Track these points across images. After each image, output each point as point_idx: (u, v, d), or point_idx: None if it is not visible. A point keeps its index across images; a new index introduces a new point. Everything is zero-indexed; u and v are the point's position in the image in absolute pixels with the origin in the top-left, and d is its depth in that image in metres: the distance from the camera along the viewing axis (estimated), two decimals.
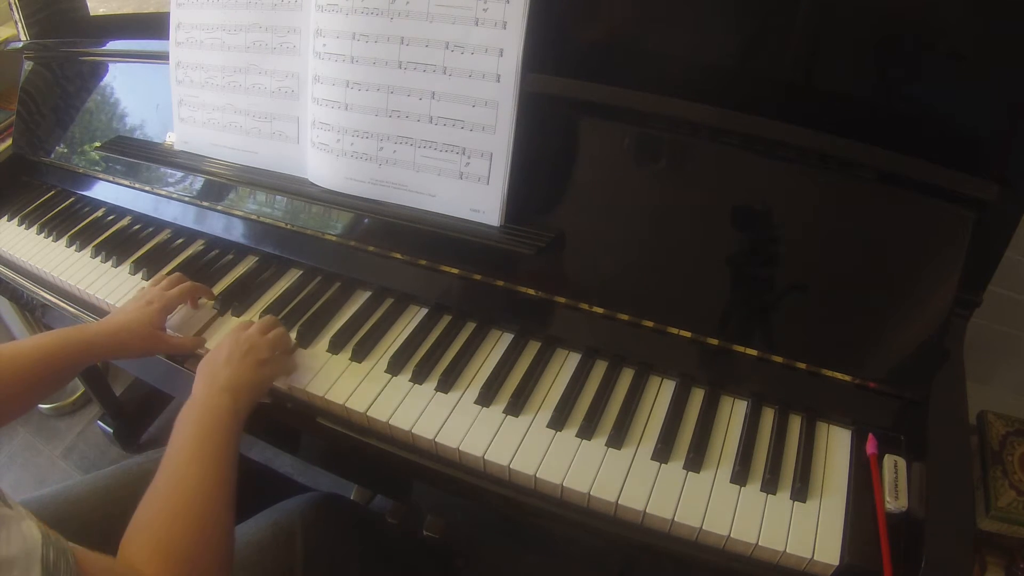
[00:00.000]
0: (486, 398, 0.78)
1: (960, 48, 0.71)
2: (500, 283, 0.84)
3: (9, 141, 1.26)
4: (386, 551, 0.99)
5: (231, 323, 0.91)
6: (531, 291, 0.83)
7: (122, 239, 1.08)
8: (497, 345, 0.85)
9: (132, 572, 0.54)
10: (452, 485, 0.75)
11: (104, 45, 1.14)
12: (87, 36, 1.20)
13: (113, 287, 0.99)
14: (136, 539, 0.57)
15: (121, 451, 1.66)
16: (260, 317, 0.90)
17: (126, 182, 1.10)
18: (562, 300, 0.82)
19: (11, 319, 1.66)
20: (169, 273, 0.94)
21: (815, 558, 0.64)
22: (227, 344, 0.78)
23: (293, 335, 0.87)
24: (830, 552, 0.64)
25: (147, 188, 1.08)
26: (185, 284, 0.90)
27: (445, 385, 0.79)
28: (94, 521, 0.80)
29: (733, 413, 0.77)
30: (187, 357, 0.89)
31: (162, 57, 1.02)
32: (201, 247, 1.05)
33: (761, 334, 0.76)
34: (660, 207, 0.79)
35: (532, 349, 0.84)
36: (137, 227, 1.10)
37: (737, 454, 0.72)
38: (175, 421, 0.69)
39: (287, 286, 0.96)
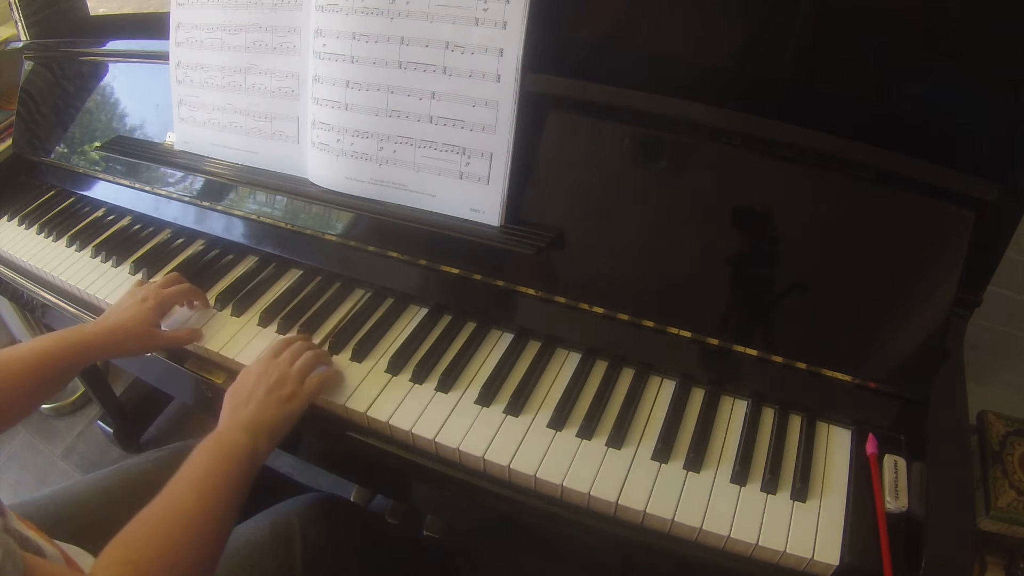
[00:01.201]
0: (486, 398, 0.78)
1: (960, 48, 0.71)
2: (500, 283, 0.84)
3: (9, 141, 1.26)
4: (386, 551, 0.99)
5: (231, 322, 0.91)
6: (531, 291, 0.83)
7: (122, 239, 1.08)
8: (497, 345, 0.85)
9: None
10: (452, 485, 0.75)
11: (104, 45, 1.14)
12: (87, 36, 1.20)
13: (113, 287, 0.99)
14: (110, 552, 0.56)
15: (121, 451, 1.66)
16: (260, 317, 0.90)
17: (126, 182, 1.10)
18: (562, 300, 0.82)
19: (11, 319, 1.66)
20: (169, 273, 0.94)
21: (815, 558, 0.64)
22: (255, 373, 0.76)
23: (293, 335, 0.86)
24: (830, 552, 0.64)
25: (147, 188, 1.08)
26: (182, 285, 0.90)
27: (445, 385, 0.79)
28: (94, 521, 0.79)
29: (733, 413, 0.77)
30: (187, 356, 0.89)
31: (162, 57, 1.02)
32: (201, 247, 1.05)
33: (761, 334, 0.76)
34: (660, 207, 0.79)
35: (532, 349, 0.84)
36: (137, 227, 1.11)
37: (737, 454, 0.72)
38: (192, 453, 0.67)
39: (287, 286, 0.96)
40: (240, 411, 0.72)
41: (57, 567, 0.50)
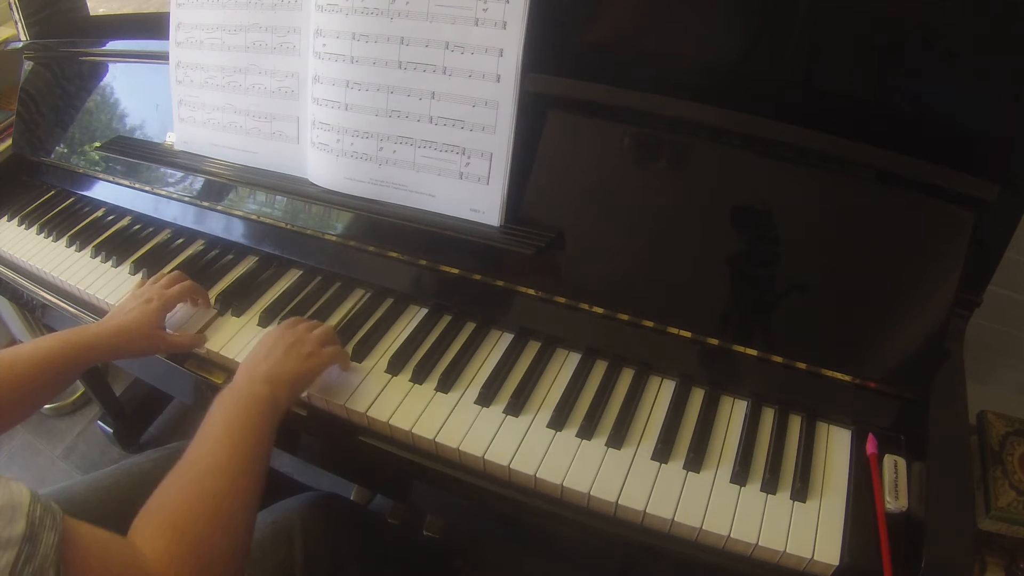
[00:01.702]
0: (486, 398, 0.78)
1: (960, 48, 0.71)
2: (500, 283, 0.84)
3: (9, 141, 1.26)
4: (386, 551, 0.99)
5: (231, 322, 0.91)
6: (531, 291, 0.83)
7: (122, 239, 1.08)
8: (497, 345, 0.85)
9: (128, 548, 0.52)
10: (452, 485, 0.75)
11: (104, 45, 1.14)
12: (87, 36, 1.20)
13: (113, 287, 0.99)
14: (145, 519, 0.55)
15: (121, 451, 1.66)
16: (260, 318, 0.90)
17: (126, 182, 1.10)
18: (562, 300, 0.82)
19: (11, 319, 1.66)
20: (171, 272, 0.94)
21: (815, 558, 0.64)
22: (271, 339, 0.77)
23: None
24: (830, 552, 0.64)
25: (147, 188, 1.08)
26: (185, 283, 0.90)
27: (445, 385, 0.79)
28: (94, 521, 0.79)
29: (733, 413, 0.77)
30: (187, 356, 0.89)
31: (162, 57, 1.02)
32: (201, 247, 1.05)
33: (761, 334, 0.76)
34: (660, 207, 0.79)
35: (532, 349, 0.84)
36: (137, 227, 1.11)
37: (737, 454, 0.72)
38: (208, 411, 0.66)
39: (287, 286, 0.96)
40: (258, 367, 0.72)
41: (96, 529, 0.49)
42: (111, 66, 1.14)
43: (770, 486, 0.69)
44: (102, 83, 1.15)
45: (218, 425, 0.64)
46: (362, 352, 0.84)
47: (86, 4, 1.23)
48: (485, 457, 0.72)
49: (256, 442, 0.64)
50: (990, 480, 0.97)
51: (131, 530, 0.55)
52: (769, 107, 0.73)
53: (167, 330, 0.87)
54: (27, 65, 1.22)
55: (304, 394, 0.80)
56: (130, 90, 1.13)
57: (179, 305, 0.91)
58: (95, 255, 1.06)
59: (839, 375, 0.74)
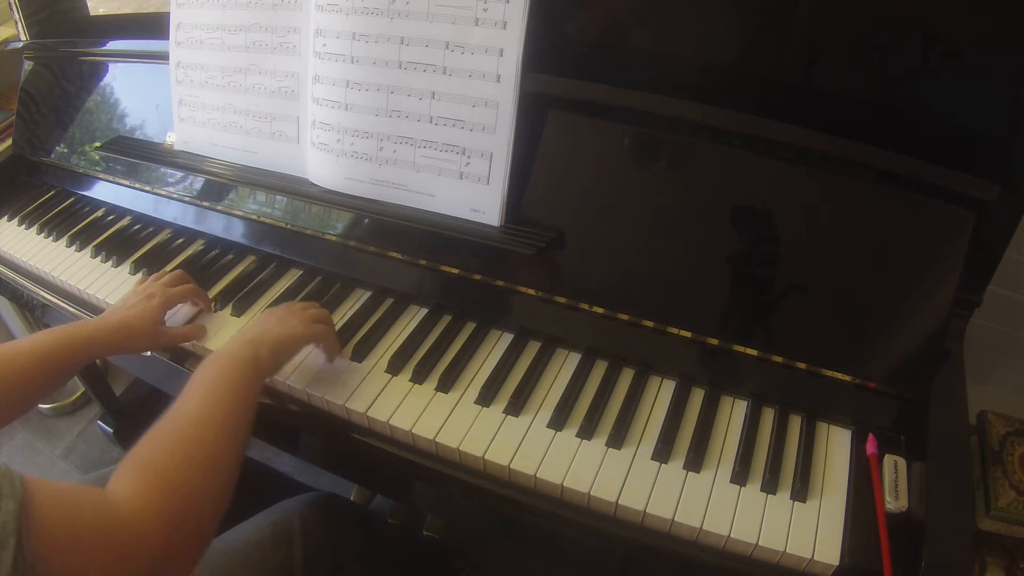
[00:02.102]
0: (486, 398, 0.78)
1: (960, 48, 0.71)
2: (500, 283, 0.84)
3: (9, 141, 1.26)
4: (386, 551, 0.99)
5: (231, 322, 0.91)
6: (531, 291, 0.83)
7: (122, 239, 1.08)
8: (497, 345, 0.85)
9: (99, 495, 0.51)
10: (452, 485, 0.75)
11: (104, 45, 1.14)
12: (87, 36, 1.20)
13: (113, 287, 0.99)
14: (125, 464, 0.55)
15: (121, 451, 1.66)
16: None
17: (126, 182, 1.10)
18: (562, 300, 0.82)
19: (11, 319, 1.66)
20: (174, 270, 0.94)
21: (815, 558, 0.64)
22: (266, 312, 0.81)
23: None
24: (830, 552, 0.64)
25: (147, 188, 1.08)
26: (187, 285, 0.90)
27: (445, 385, 0.79)
28: None
29: (733, 413, 0.77)
30: (188, 356, 0.89)
31: (162, 57, 1.02)
32: (201, 247, 1.05)
33: (761, 334, 0.76)
34: (660, 207, 0.79)
35: (532, 349, 0.84)
36: (137, 227, 1.10)
37: (737, 454, 0.72)
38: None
39: (287, 286, 0.96)
40: (246, 334, 0.75)
41: (61, 484, 0.48)
42: (111, 66, 1.14)
43: (770, 486, 0.69)
44: (102, 83, 1.15)
45: (201, 382, 0.66)
46: (362, 352, 0.84)
47: (86, 4, 1.23)
48: (485, 457, 0.72)
49: (238, 398, 0.65)
50: (990, 480, 0.97)
51: (114, 475, 0.54)
52: (769, 107, 0.73)
53: (168, 328, 0.87)
54: (27, 65, 1.22)
55: (305, 395, 0.80)
56: (130, 90, 1.13)
57: (179, 305, 0.91)
58: (95, 255, 1.06)
59: (839, 375, 0.74)
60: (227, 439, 0.61)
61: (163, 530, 0.51)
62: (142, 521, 0.50)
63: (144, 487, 0.52)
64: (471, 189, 0.83)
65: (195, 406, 0.62)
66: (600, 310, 0.81)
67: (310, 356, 0.84)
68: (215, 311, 0.93)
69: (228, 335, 0.89)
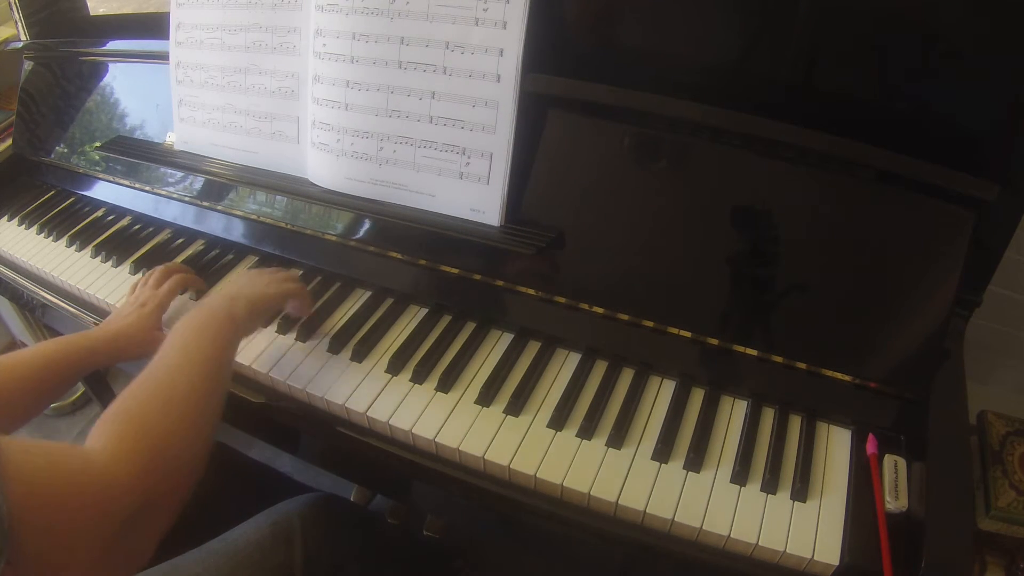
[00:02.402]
0: (486, 398, 0.78)
1: (960, 48, 0.71)
2: (500, 283, 0.84)
3: (9, 141, 1.26)
4: (386, 551, 0.99)
5: None
6: (531, 291, 0.83)
7: (122, 239, 1.08)
8: (497, 345, 0.85)
9: (75, 450, 0.50)
10: (452, 485, 0.75)
11: (104, 45, 1.14)
12: (87, 36, 1.20)
13: (113, 287, 0.99)
14: (102, 417, 0.55)
15: None
16: None
17: (126, 182, 1.10)
18: (562, 300, 0.82)
19: (11, 319, 1.66)
20: (158, 268, 0.93)
21: (815, 558, 0.64)
22: (232, 279, 0.85)
23: (293, 334, 0.87)
24: (830, 552, 0.64)
25: (147, 188, 1.08)
26: (174, 278, 0.90)
27: (445, 385, 0.79)
28: None
29: (733, 413, 0.77)
30: None
31: (162, 57, 1.02)
32: (201, 247, 1.05)
33: (761, 334, 0.76)
34: (660, 207, 0.79)
35: (532, 349, 0.84)
36: (137, 227, 1.11)
37: (737, 454, 0.72)
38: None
39: None
40: (217, 294, 0.78)
41: (34, 441, 0.48)
42: (111, 66, 1.14)
43: (770, 486, 0.69)
44: (102, 83, 1.15)
45: (176, 337, 0.67)
46: (362, 352, 0.84)
47: (86, 4, 1.23)
48: (485, 457, 0.72)
49: (215, 349, 0.67)
50: (990, 480, 0.96)
51: (92, 431, 0.55)
52: (769, 107, 0.73)
53: (166, 329, 0.87)
54: (27, 65, 1.22)
55: (304, 395, 0.80)
56: (130, 90, 1.13)
57: (177, 303, 0.91)
58: (95, 255, 1.06)
59: (839, 375, 0.74)
60: (204, 388, 0.62)
61: (138, 473, 0.51)
62: (116, 464, 0.51)
63: (118, 434, 0.53)
64: (471, 189, 0.83)
65: (171, 359, 0.63)
66: (600, 310, 0.81)
67: (310, 356, 0.84)
68: None
69: None
